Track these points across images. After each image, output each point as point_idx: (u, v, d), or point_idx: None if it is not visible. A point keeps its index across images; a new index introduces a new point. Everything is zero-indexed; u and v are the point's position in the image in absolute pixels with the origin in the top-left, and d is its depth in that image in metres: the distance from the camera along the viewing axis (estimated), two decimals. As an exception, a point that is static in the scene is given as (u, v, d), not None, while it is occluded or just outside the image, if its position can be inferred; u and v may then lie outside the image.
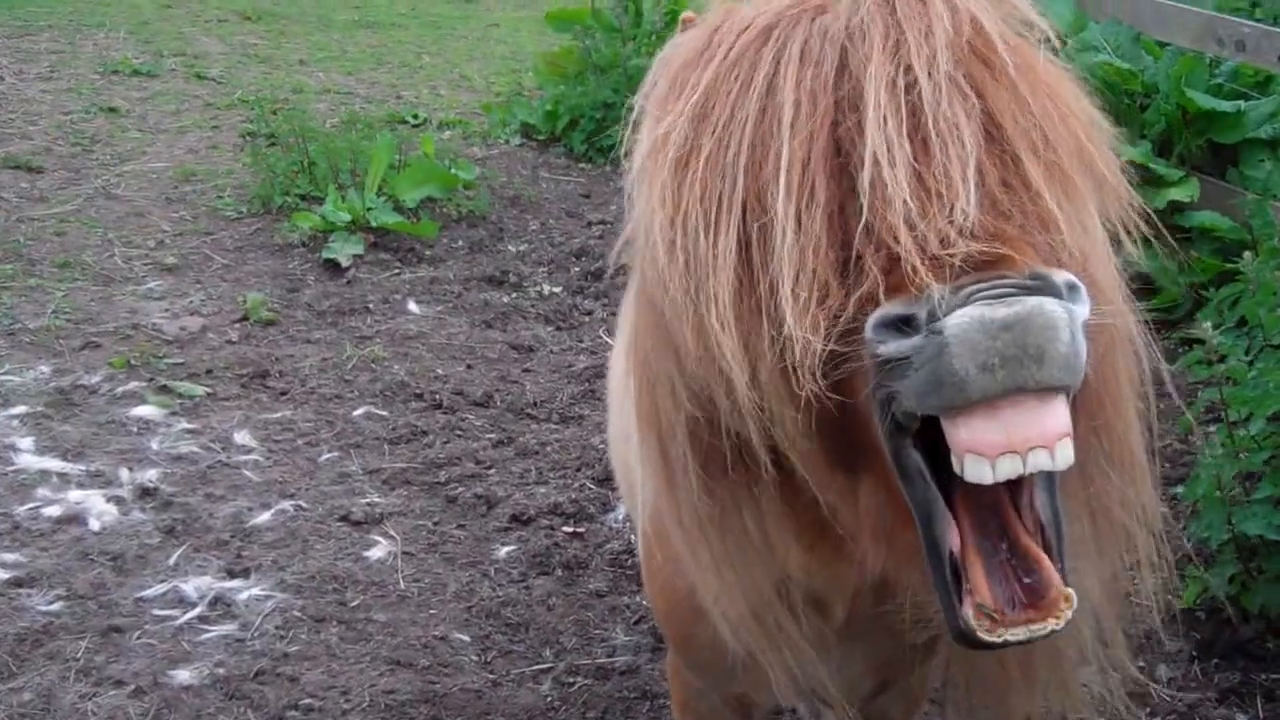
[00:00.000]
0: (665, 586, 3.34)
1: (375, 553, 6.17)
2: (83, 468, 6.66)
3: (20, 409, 7.12)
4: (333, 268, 9.04)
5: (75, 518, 6.30)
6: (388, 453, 6.98)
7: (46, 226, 9.55)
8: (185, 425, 7.09)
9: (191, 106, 12.58)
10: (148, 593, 5.82)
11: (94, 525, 6.25)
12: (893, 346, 2.23)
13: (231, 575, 5.97)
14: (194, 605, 5.76)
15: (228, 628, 5.66)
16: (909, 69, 2.38)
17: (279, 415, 7.26)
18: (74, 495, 6.43)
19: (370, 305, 8.60)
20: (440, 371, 7.78)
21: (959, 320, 2.16)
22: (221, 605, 5.79)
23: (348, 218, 9.34)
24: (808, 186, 2.37)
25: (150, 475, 6.59)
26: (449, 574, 6.07)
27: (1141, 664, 5.50)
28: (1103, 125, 2.68)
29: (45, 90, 12.75)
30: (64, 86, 12.91)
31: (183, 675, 5.34)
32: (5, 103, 12.29)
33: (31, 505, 6.35)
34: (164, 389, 7.43)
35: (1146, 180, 8.37)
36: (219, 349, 7.94)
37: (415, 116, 12.50)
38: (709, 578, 2.97)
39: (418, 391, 7.56)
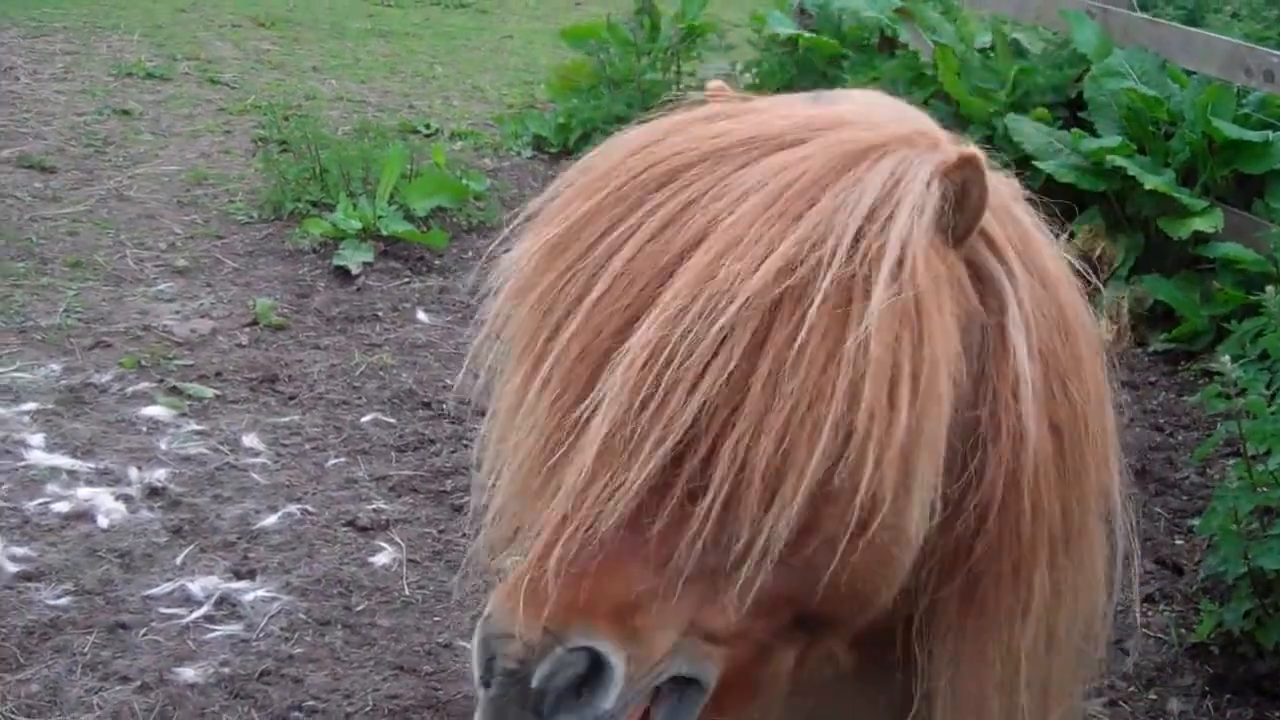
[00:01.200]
0: None
1: (380, 559, 6.16)
2: (92, 465, 6.65)
3: (31, 406, 7.12)
4: (343, 274, 9.04)
5: (84, 514, 6.30)
6: (395, 460, 6.97)
7: (59, 226, 9.56)
8: (194, 426, 7.09)
9: (204, 111, 12.59)
10: (155, 590, 5.81)
11: (102, 522, 6.25)
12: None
13: (238, 576, 5.96)
14: (200, 604, 5.76)
15: (233, 628, 5.65)
16: (700, 310, 2.32)
17: (287, 419, 7.26)
18: (83, 492, 6.43)
19: (379, 313, 8.59)
20: (448, 381, 7.77)
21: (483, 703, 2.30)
22: (227, 605, 5.78)
23: (358, 225, 9.34)
24: (564, 383, 2.41)
25: (159, 475, 6.59)
26: (454, 582, 6.06)
27: (1154, 697, 5.50)
28: (938, 390, 2.45)
29: (59, 91, 12.77)
30: (78, 88, 12.92)
31: (188, 673, 5.34)
32: (20, 102, 12.30)
33: (41, 501, 6.35)
34: (174, 390, 7.43)
35: (1170, 210, 8.38)
36: (229, 352, 7.94)
37: (427, 126, 12.51)
38: None
39: (425, 400, 7.55)
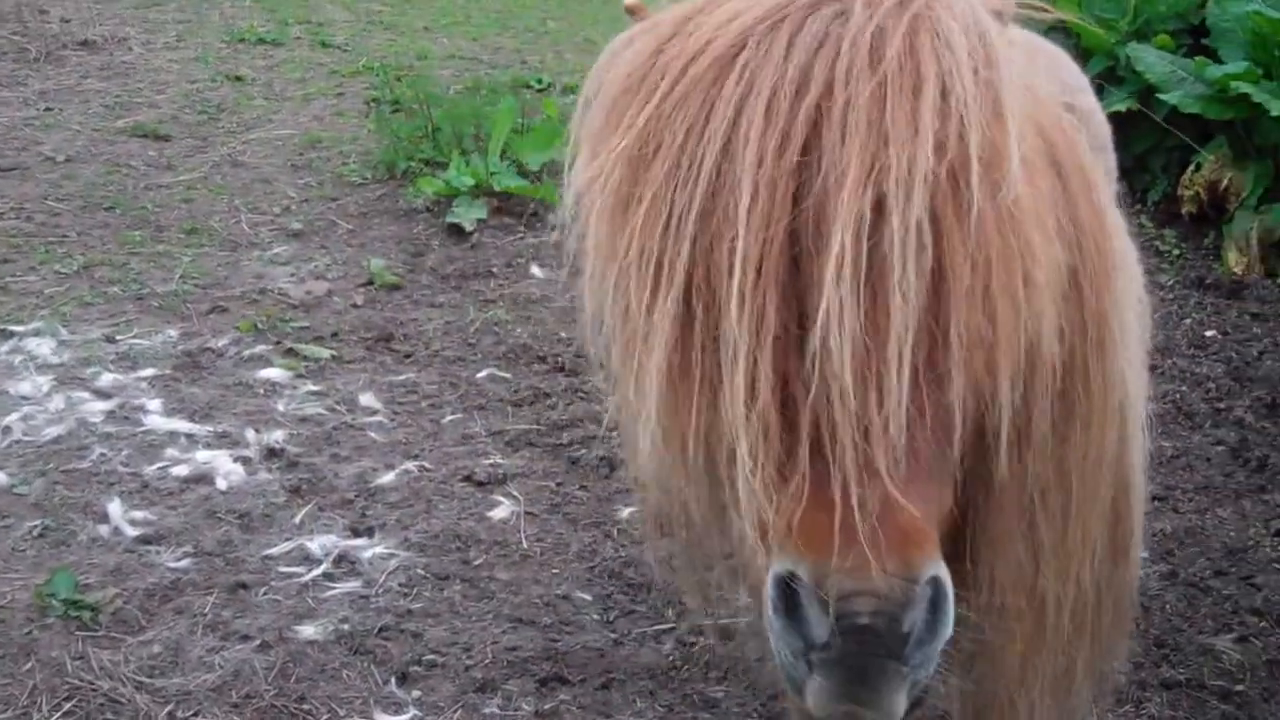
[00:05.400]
0: None
1: (498, 513, 6.16)
2: (210, 429, 6.71)
3: (149, 372, 7.19)
4: (457, 232, 9.05)
5: (203, 477, 6.35)
6: (511, 414, 6.96)
7: (174, 194, 9.64)
8: (311, 387, 7.13)
9: (317, 74, 12.66)
10: (273, 550, 5.86)
11: (221, 484, 6.29)
12: (776, 622, 2.30)
13: (356, 534, 5.99)
14: (319, 563, 5.79)
15: (352, 585, 5.68)
16: (881, 203, 2.26)
17: (403, 377, 7.27)
18: (201, 455, 6.48)
19: (494, 269, 8.59)
20: (564, 334, 7.75)
21: (815, 686, 2.25)
22: (346, 563, 5.81)
23: (471, 182, 9.34)
24: (760, 298, 2.28)
25: (276, 436, 6.63)
26: (571, 534, 6.05)
27: None
28: (1053, 258, 2.53)
29: (172, 59, 12.89)
30: (190, 55, 13.04)
31: (308, 630, 5.37)
32: (133, 72, 12.44)
33: (160, 465, 6.41)
34: (290, 352, 7.47)
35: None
36: (344, 313, 7.97)
37: (540, 81, 12.47)
38: None
39: (541, 354, 7.54)
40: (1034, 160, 2.51)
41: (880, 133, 2.28)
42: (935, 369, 2.33)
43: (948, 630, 2.26)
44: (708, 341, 2.34)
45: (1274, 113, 8.07)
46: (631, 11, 2.71)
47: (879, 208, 2.26)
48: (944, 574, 2.25)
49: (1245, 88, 8.25)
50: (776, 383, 2.29)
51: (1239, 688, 5.11)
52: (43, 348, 7.35)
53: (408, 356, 7.51)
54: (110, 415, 6.79)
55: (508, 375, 7.34)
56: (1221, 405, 7.02)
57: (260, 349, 7.48)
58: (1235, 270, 8.37)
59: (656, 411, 2.41)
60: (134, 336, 7.55)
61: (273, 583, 5.67)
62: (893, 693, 2.23)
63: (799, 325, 2.29)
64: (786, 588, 2.26)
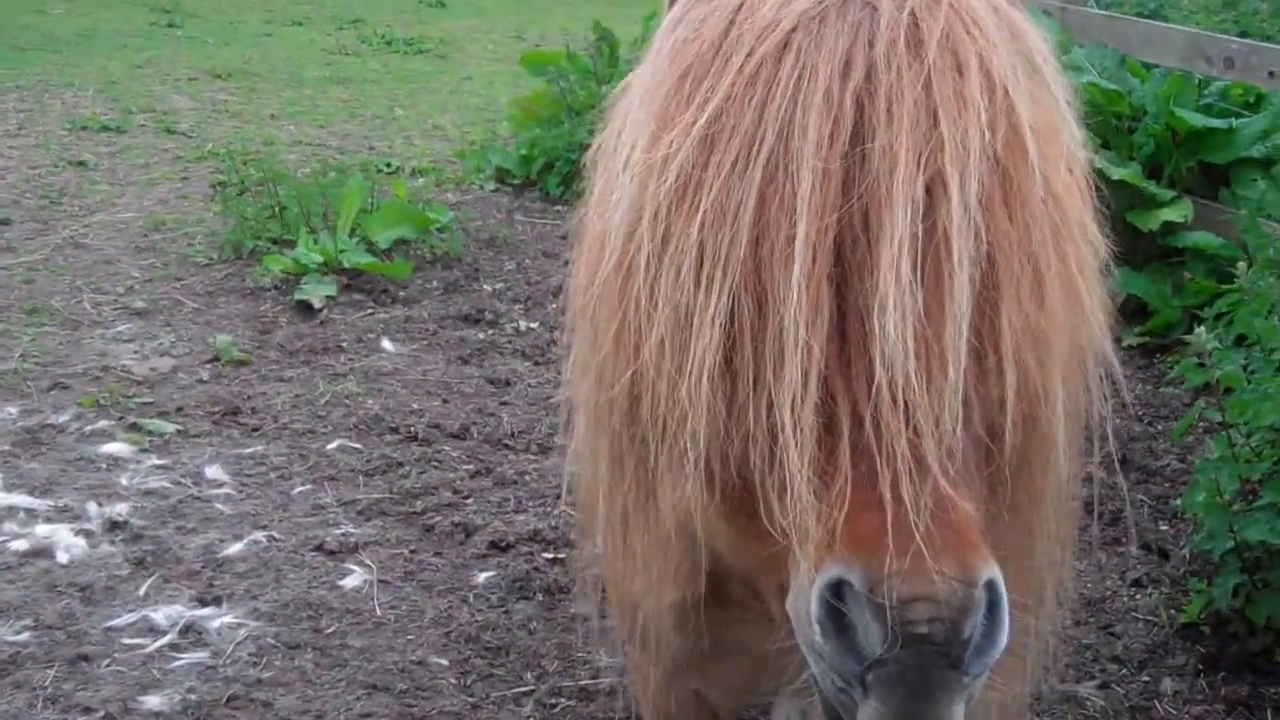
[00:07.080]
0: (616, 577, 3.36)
1: (350, 581, 6.02)
2: (51, 503, 6.50)
3: (-14, 448, 6.97)
4: (305, 309, 8.89)
5: (43, 551, 6.15)
6: (362, 484, 6.82)
7: (14, 275, 9.40)
8: (155, 461, 6.93)
9: (161, 159, 12.46)
10: (117, 622, 5.66)
11: (62, 558, 6.09)
12: (825, 644, 2.15)
13: (203, 604, 5.81)
14: (164, 633, 5.61)
15: (199, 655, 5.50)
16: (936, 182, 2.24)
17: (251, 450, 7.10)
18: (41, 530, 6.27)
19: (344, 344, 8.44)
20: (415, 406, 7.63)
21: (871, 711, 2.12)
22: (193, 633, 5.63)
23: (320, 259, 9.21)
24: (816, 289, 2.22)
25: (120, 509, 6.43)
26: (426, 601, 5.92)
27: (1146, 678, 5.39)
28: (1098, 240, 2.61)
29: (13, 146, 12.62)
30: (32, 142, 12.78)
31: (153, 701, 5.19)
32: (-29, 159, 12.17)
33: (-3, 540, 6.20)
34: (134, 427, 7.27)
35: (1138, 202, 8.28)
36: (189, 388, 7.79)
37: (388, 165, 12.36)
38: (633, 566, 3.01)
39: (393, 425, 7.40)
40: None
41: (930, 111, 2.26)
42: (984, 361, 2.28)
43: (1004, 637, 2.14)
44: (757, 339, 2.26)
45: (1114, 176, 8.17)
46: None
47: (934, 187, 2.22)
48: (999, 578, 2.13)
49: (1084, 154, 8.36)
50: (833, 377, 2.21)
51: (1104, 734, 5.10)
52: (-125, 425, 7.11)
53: (255, 430, 7.35)
54: (-54, 492, 6.57)
55: (359, 446, 7.20)
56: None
57: (103, 424, 7.27)
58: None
59: (704, 411, 2.30)
60: (-29, 414, 7.32)
61: (116, 654, 5.47)
62: (953, 704, 2.11)
63: (846, 316, 2.23)
64: (831, 605, 2.13)
